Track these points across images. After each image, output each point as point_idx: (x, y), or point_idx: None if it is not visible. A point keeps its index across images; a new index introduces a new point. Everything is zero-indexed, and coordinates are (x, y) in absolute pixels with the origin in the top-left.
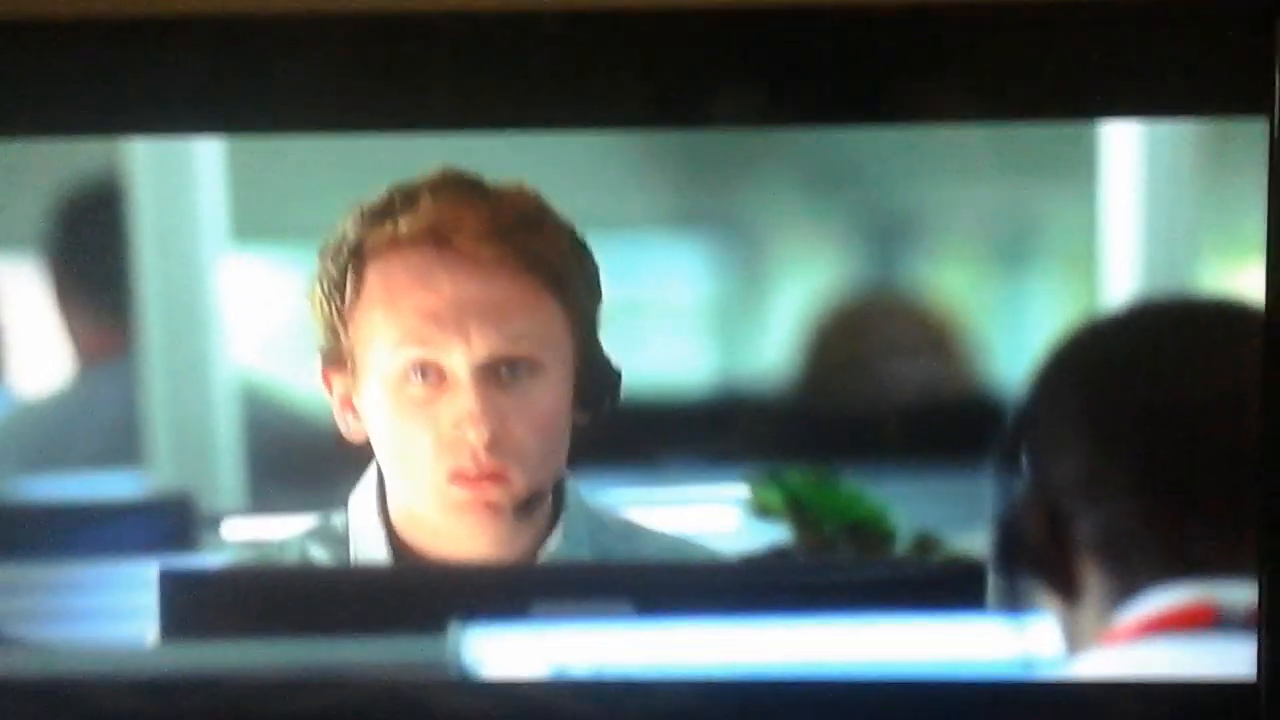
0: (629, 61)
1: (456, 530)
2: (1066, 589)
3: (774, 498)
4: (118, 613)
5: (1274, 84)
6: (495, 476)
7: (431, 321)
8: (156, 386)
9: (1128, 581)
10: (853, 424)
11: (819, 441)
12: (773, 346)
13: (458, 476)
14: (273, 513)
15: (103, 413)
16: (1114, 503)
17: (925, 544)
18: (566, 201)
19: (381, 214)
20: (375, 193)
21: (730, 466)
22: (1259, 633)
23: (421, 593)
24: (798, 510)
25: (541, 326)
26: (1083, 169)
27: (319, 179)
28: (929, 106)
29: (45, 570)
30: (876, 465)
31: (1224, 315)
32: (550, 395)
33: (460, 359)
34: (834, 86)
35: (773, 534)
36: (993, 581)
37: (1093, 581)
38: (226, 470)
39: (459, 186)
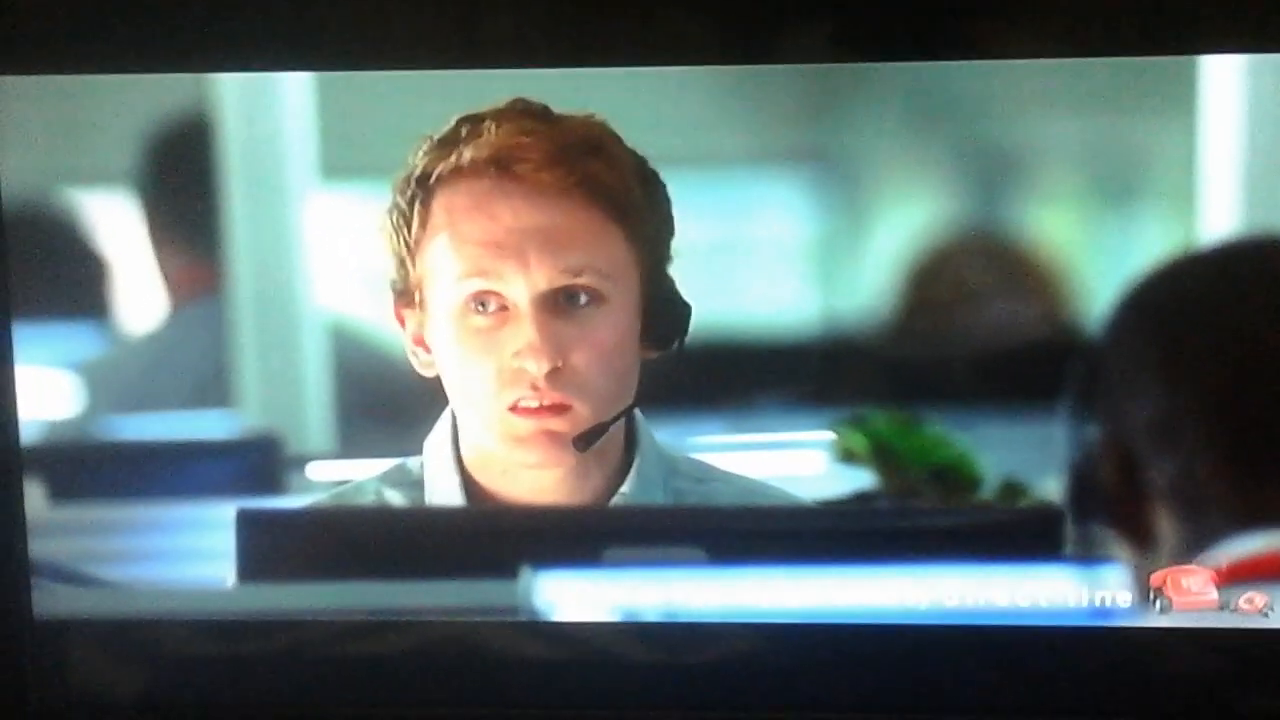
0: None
1: (521, 465)
2: (1141, 537)
3: (859, 442)
4: (203, 554)
5: None
6: (557, 408)
7: (492, 250)
8: (245, 326)
9: (1203, 530)
10: (942, 367)
11: (907, 385)
12: (861, 287)
13: (519, 408)
14: (360, 455)
15: (194, 352)
16: (1190, 449)
17: (1012, 490)
18: (657, 137)
19: (448, 143)
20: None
21: (816, 410)
22: None
23: (493, 536)
24: (883, 455)
25: (604, 257)
26: (1183, 103)
27: (408, 115)
28: (1026, 40)
29: (131, 510)
30: (966, 410)
31: None
32: (613, 327)
33: (520, 288)
34: (929, 20)
35: (858, 479)
36: (1069, 529)
37: (1167, 529)
38: (314, 412)
39: (524, 115)
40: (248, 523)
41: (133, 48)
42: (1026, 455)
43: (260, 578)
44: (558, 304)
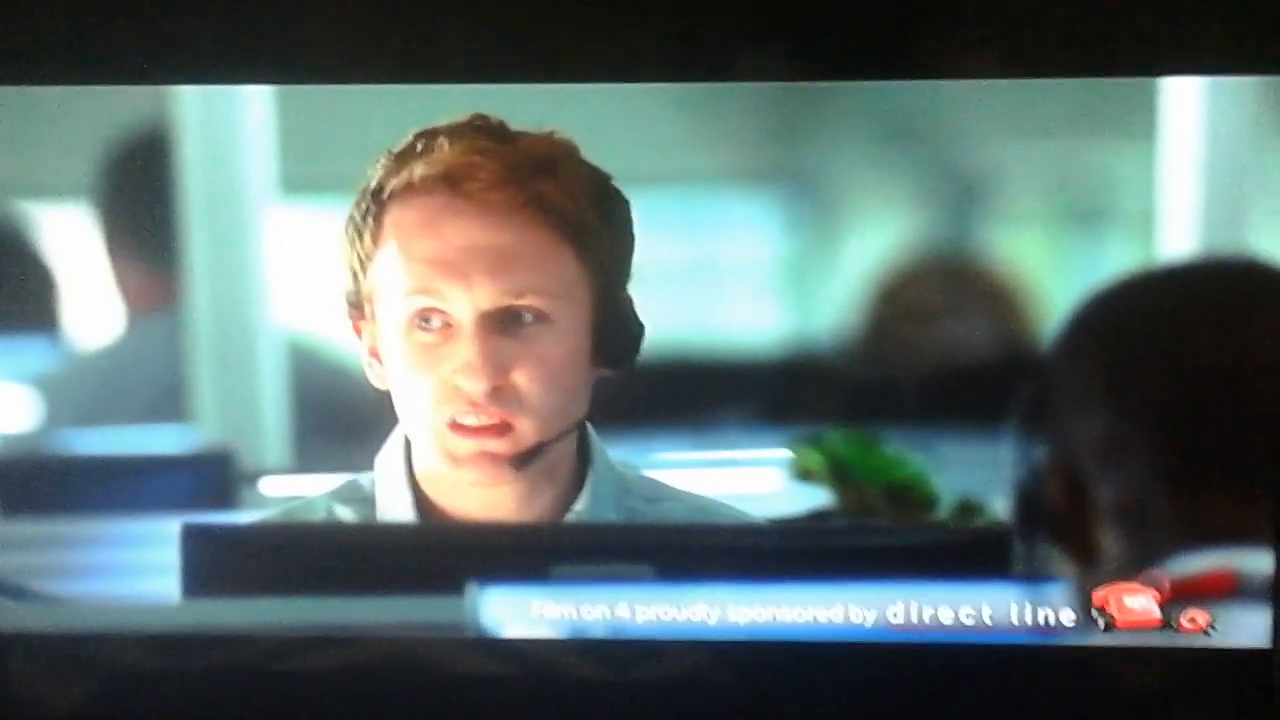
0: (695, 12)
1: (463, 484)
2: (1087, 555)
3: (816, 460)
4: (155, 569)
5: None
6: (497, 428)
7: (438, 267)
8: (202, 340)
9: (1149, 548)
10: (900, 387)
11: (865, 404)
12: (823, 307)
13: (457, 425)
14: (316, 471)
15: (150, 366)
16: (1134, 468)
17: (968, 509)
18: (624, 155)
19: (403, 158)
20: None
21: (774, 428)
22: (1274, 599)
23: (439, 553)
24: (839, 473)
25: (551, 277)
26: (1146, 125)
27: (369, 129)
28: (983, 61)
29: (82, 525)
30: (923, 429)
31: (1247, 278)
32: (559, 347)
33: (464, 306)
34: (886, 40)
35: (815, 497)
36: (1015, 547)
37: (1113, 548)
38: (272, 427)
39: (478, 132)
40: (192, 538)
41: (90, 59)
42: (983, 475)
43: (205, 593)
44: (501, 323)
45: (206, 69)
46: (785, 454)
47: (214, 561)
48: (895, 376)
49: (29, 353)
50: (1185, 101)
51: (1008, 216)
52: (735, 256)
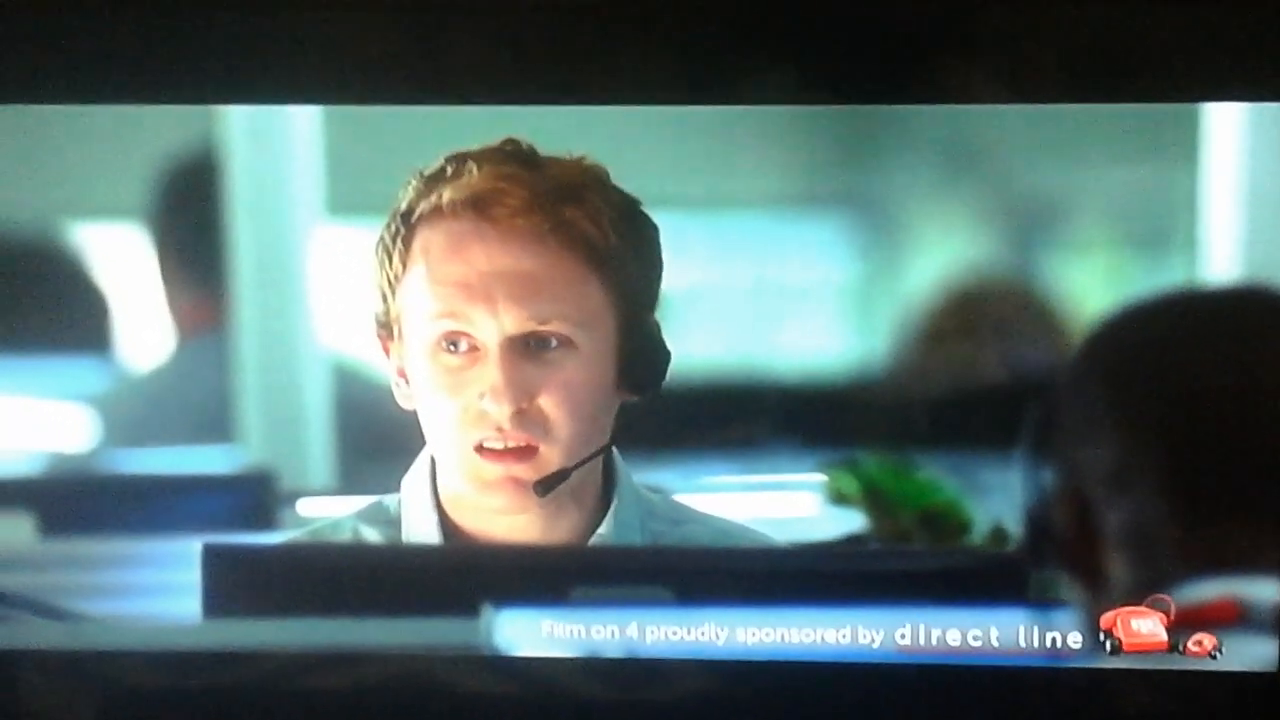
0: (766, 37)
1: (488, 507)
2: (1095, 582)
3: (850, 485)
4: (188, 589)
5: None
6: (522, 451)
7: (464, 291)
8: (247, 361)
9: (1157, 576)
10: (942, 412)
11: (904, 428)
12: (862, 331)
13: (483, 449)
14: (360, 492)
15: (197, 387)
16: (1141, 496)
17: (1000, 536)
18: (664, 179)
19: (433, 181)
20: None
21: (808, 452)
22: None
23: (456, 575)
24: (874, 498)
25: (576, 304)
26: (1201, 151)
27: (416, 151)
28: (1003, 85)
29: (119, 545)
30: (963, 455)
31: (1255, 304)
32: (583, 371)
33: (490, 331)
34: (954, 64)
35: (850, 521)
36: (1024, 573)
37: (1119, 575)
38: (315, 448)
39: (507, 157)
40: (213, 558)
41: (139, 79)
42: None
43: (225, 613)
44: (527, 347)
45: (254, 89)
46: (820, 478)
47: (234, 582)
48: (935, 402)
49: (77, 373)
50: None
51: (1066, 242)
52: (776, 281)
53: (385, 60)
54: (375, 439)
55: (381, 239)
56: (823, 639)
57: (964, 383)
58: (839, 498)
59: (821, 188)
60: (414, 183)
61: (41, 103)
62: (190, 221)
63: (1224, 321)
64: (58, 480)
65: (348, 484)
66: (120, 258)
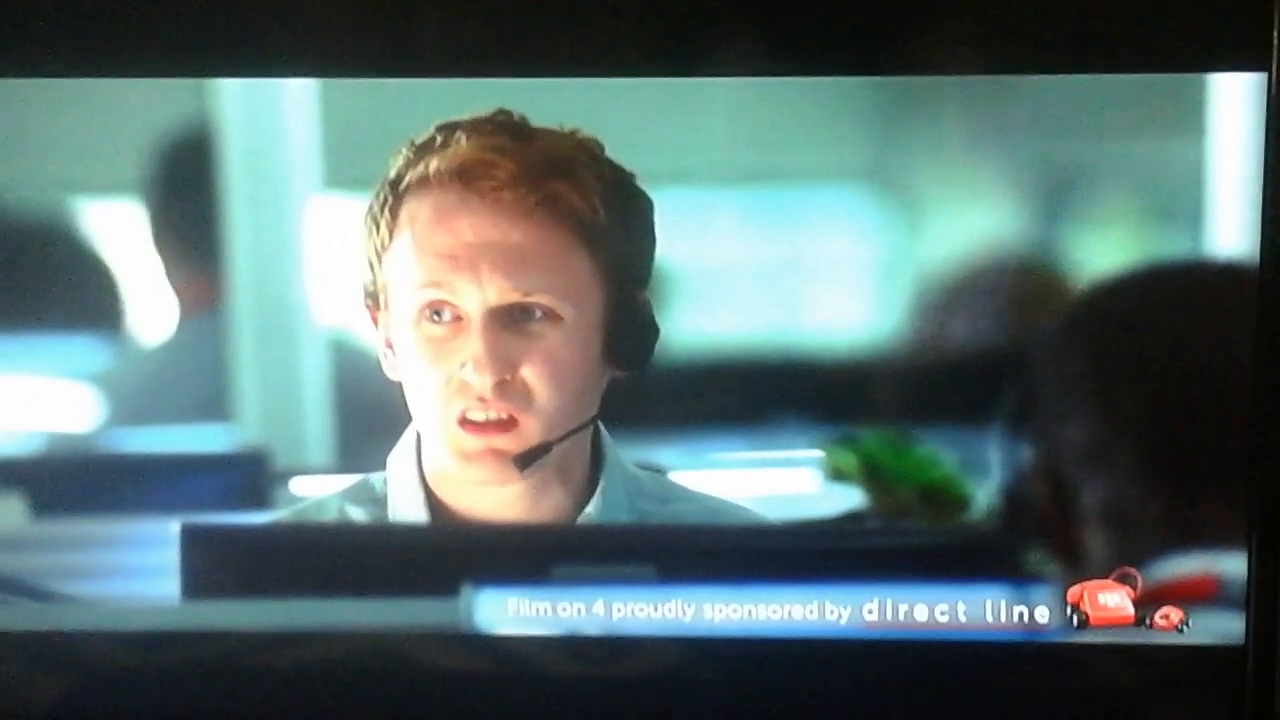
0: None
1: (470, 480)
2: (1069, 557)
3: (849, 461)
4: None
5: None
6: (503, 423)
7: (449, 262)
8: (244, 338)
9: (1129, 552)
10: (943, 388)
11: (910, 403)
12: (872, 306)
13: (466, 421)
14: (359, 470)
15: (194, 365)
16: (1116, 472)
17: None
18: (660, 153)
19: (422, 151)
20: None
21: (807, 428)
22: (1247, 595)
23: (436, 554)
24: (872, 474)
25: (562, 277)
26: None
27: (413, 124)
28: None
29: (112, 525)
30: (962, 431)
31: (1228, 281)
32: (568, 345)
33: (473, 301)
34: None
35: (850, 498)
36: (997, 547)
37: (1095, 550)
38: (313, 426)
39: (498, 128)
40: (191, 538)
41: (132, 51)
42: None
43: (203, 593)
44: (511, 318)
45: (248, 61)
46: (819, 455)
47: (212, 562)
48: (939, 376)
49: (72, 351)
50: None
51: (1088, 216)
52: (783, 256)
53: (381, 32)
54: (373, 416)
55: (370, 208)
56: (790, 615)
57: (969, 357)
58: (837, 474)
59: (827, 161)
60: (404, 152)
61: (35, 77)
62: (185, 197)
63: (1197, 297)
64: (50, 460)
65: (345, 462)
66: (115, 234)
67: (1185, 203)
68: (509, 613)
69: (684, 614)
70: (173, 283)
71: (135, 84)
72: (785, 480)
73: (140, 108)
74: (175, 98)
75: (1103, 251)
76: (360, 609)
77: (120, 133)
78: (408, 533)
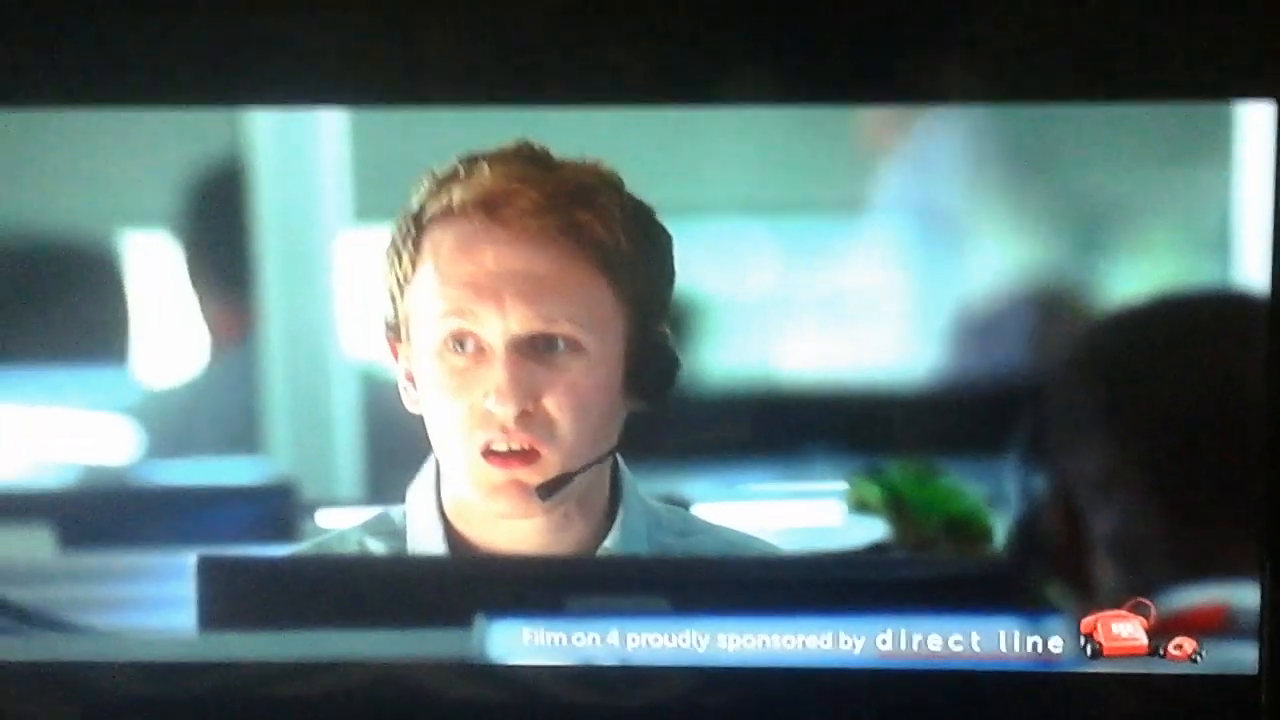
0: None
1: (493, 512)
2: (1081, 587)
3: (873, 493)
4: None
5: None
6: (526, 455)
7: (471, 291)
8: (275, 371)
9: (1141, 582)
10: (967, 419)
11: (932, 437)
12: (901, 339)
13: (489, 452)
14: (387, 502)
15: (227, 397)
16: (1128, 502)
17: None
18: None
19: (445, 182)
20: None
21: (832, 461)
22: (1260, 624)
23: (450, 586)
24: (896, 506)
25: (584, 306)
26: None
27: (443, 157)
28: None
29: (143, 557)
30: (989, 461)
31: (1237, 310)
32: (591, 377)
33: (495, 330)
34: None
35: (874, 530)
36: (1010, 578)
37: (1107, 580)
38: (343, 458)
39: (521, 159)
40: (208, 570)
41: (165, 82)
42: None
43: (219, 625)
44: (534, 349)
45: (280, 92)
46: (843, 487)
47: (228, 594)
48: (964, 408)
49: (105, 384)
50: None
51: (1124, 248)
52: (799, 287)
53: (411, 63)
54: (402, 449)
55: (392, 240)
56: (804, 645)
57: (994, 389)
58: (861, 506)
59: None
60: (426, 184)
61: (70, 108)
62: (217, 229)
63: (1206, 327)
64: (78, 492)
65: (374, 494)
66: (148, 266)
67: (1213, 233)
68: (523, 642)
69: (698, 644)
70: (204, 315)
71: (167, 116)
72: (810, 513)
73: (172, 140)
74: (206, 129)
75: (1134, 280)
76: (371, 641)
77: (152, 165)
78: (421, 565)
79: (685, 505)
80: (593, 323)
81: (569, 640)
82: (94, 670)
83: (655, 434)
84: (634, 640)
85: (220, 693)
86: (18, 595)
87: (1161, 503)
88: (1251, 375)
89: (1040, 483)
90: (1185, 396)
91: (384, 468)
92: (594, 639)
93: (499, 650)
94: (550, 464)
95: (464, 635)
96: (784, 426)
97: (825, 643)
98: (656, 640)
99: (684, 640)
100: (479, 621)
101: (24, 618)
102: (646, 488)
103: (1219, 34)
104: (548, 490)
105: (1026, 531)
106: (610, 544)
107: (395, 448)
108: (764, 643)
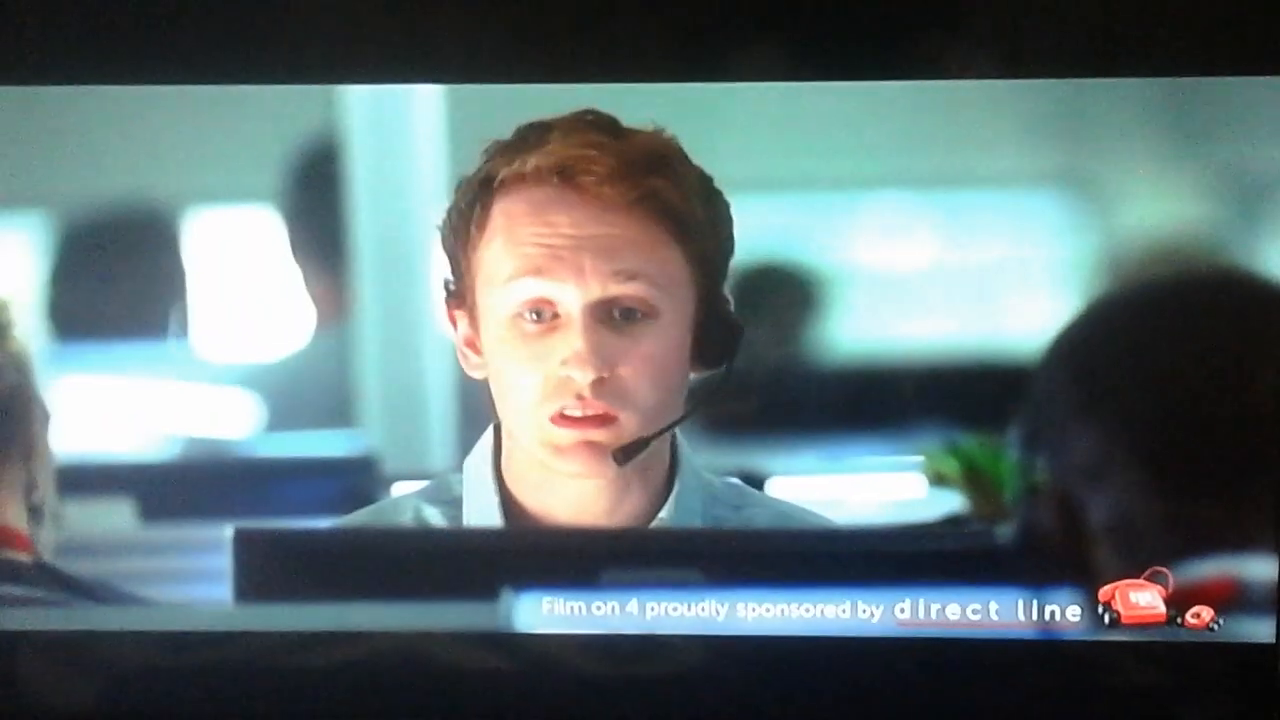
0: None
1: (563, 474)
2: (1088, 567)
3: (950, 466)
4: None
5: None
6: (601, 418)
7: (547, 256)
8: (370, 346)
9: (1149, 558)
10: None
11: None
12: (972, 313)
13: (563, 417)
14: None
15: (322, 372)
16: (1132, 480)
17: None
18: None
19: (513, 149)
20: None
21: (910, 434)
22: (1278, 595)
23: (490, 557)
24: (974, 479)
25: (659, 271)
26: None
27: None
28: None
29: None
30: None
31: (1237, 292)
32: (664, 342)
33: (573, 296)
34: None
35: (950, 503)
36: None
37: (1114, 560)
38: (435, 432)
39: (591, 126)
40: (244, 542)
41: (260, 59)
42: None
43: (256, 597)
44: (610, 316)
45: (374, 68)
46: (919, 460)
47: (263, 566)
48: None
49: (206, 359)
50: None
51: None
52: (901, 261)
53: (508, 40)
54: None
55: (455, 206)
56: (822, 614)
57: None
58: (939, 479)
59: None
60: (490, 150)
61: (169, 83)
62: (315, 206)
63: (1198, 314)
64: (158, 466)
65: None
66: (245, 244)
67: None
68: (545, 613)
69: (717, 614)
70: (304, 291)
71: (265, 91)
72: (888, 486)
73: (270, 116)
74: (304, 106)
75: None
76: (400, 612)
77: (252, 141)
78: (453, 537)
79: (760, 478)
80: (668, 286)
81: (590, 610)
82: (123, 641)
83: (727, 406)
84: (654, 610)
85: (249, 664)
86: (101, 568)
87: (1163, 480)
88: (1251, 347)
89: (1043, 468)
90: (1211, 372)
91: (472, 443)
92: (614, 608)
93: (526, 620)
94: (626, 429)
95: (491, 606)
96: (862, 400)
97: (843, 612)
98: (676, 610)
99: (704, 610)
100: (505, 593)
101: (91, 594)
102: (724, 461)
103: None
104: (625, 454)
105: (1047, 501)
106: (665, 515)
107: (484, 423)
108: (784, 611)
